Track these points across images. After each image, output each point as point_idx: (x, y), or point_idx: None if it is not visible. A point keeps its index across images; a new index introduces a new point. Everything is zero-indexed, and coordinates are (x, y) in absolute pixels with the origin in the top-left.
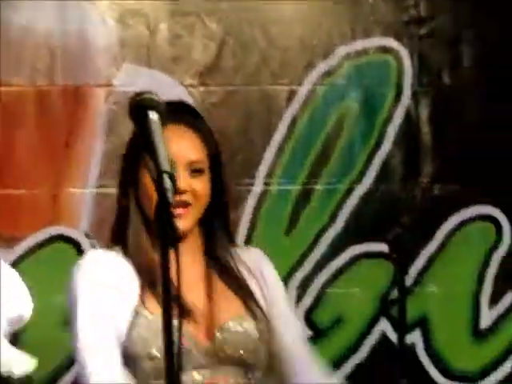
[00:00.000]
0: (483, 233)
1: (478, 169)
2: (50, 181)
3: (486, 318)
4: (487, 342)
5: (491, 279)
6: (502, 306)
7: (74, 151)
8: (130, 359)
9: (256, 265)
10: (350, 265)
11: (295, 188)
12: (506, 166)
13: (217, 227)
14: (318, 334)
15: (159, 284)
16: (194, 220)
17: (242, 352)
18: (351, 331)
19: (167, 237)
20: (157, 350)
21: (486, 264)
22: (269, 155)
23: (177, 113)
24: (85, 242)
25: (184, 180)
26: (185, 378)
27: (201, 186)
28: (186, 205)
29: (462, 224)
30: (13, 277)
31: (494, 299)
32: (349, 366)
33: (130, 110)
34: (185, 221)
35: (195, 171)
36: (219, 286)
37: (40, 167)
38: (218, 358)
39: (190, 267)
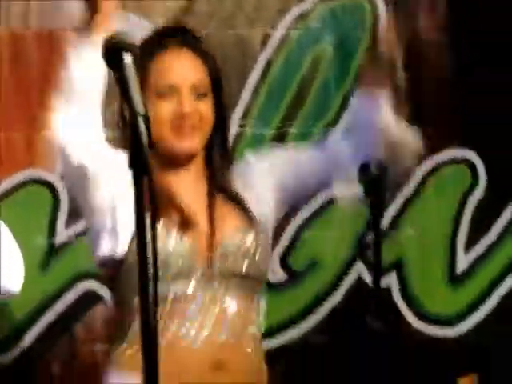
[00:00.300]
0: (459, 176)
1: (452, 111)
2: (25, 123)
3: (462, 262)
4: (463, 286)
5: (467, 223)
6: (477, 251)
7: (49, 94)
8: (129, 269)
9: (248, 171)
10: (326, 208)
11: (270, 131)
12: (481, 109)
13: (218, 150)
14: (293, 277)
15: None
16: (201, 143)
17: (243, 265)
18: (327, 274)
19: (140, 166)
20: None
21: (461, 208)
22: (244, 98)
23: (179, 36)
24: (60, 185)
25: (190, 103)
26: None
27: (205, 108)
28: (193, 127)
29: (437, 167)
30: (10, 248)
31: (470, 243)
32: (324, 309)
33: (103, 52)
34: (192, 143)
35: (200, 94)
36: (219, 203)
37: (15, 110)
38: (220, 272)
39: (193, 189)
